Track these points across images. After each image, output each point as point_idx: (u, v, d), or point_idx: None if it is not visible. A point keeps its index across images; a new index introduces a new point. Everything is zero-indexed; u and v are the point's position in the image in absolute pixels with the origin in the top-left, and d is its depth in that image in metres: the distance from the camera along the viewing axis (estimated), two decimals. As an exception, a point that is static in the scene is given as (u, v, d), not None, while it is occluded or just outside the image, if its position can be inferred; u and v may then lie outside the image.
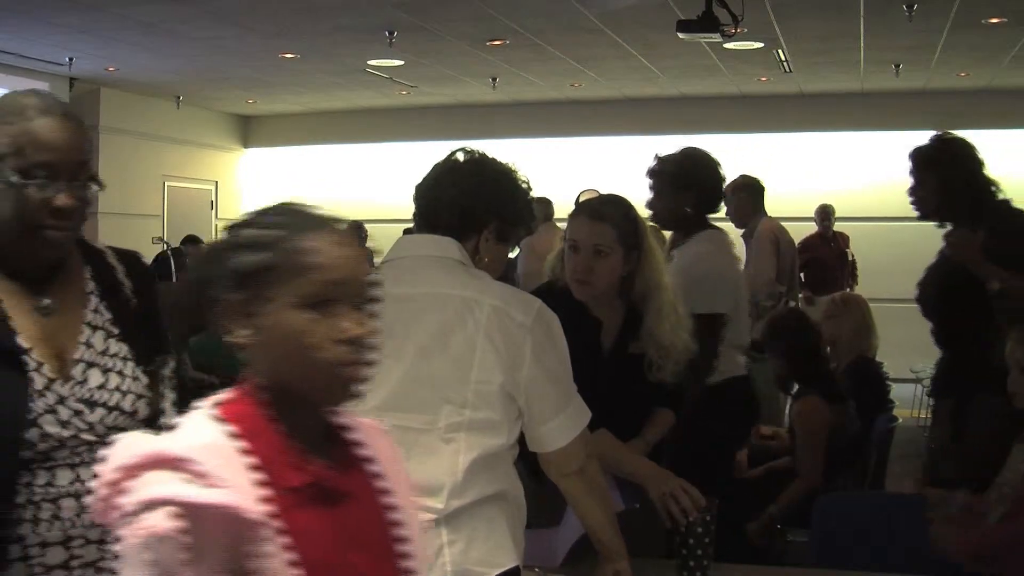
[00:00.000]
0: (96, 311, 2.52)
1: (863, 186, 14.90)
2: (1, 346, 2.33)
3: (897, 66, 12.89)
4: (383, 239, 3.23)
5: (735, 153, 14.05)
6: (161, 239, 14.41)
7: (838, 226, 12.92)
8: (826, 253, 12.42)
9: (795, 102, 15.39)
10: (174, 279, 13.29)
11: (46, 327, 2.42)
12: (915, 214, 4.74)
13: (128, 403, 2.47)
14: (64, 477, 2.34)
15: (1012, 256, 4.32)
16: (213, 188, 18.25)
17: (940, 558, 3.58)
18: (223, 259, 1.81)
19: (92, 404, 2.41)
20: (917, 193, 4.71)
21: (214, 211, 18.09)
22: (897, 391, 6.94)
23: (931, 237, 4.82)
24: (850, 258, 12.89)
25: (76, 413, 2.37)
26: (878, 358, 6.46)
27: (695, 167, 4.90)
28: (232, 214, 17.46)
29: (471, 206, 2.98)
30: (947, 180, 4.55)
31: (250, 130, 18.96)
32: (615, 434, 3.60)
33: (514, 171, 3.10)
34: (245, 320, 1.78)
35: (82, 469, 2.35)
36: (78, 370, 2.42)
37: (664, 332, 3.69)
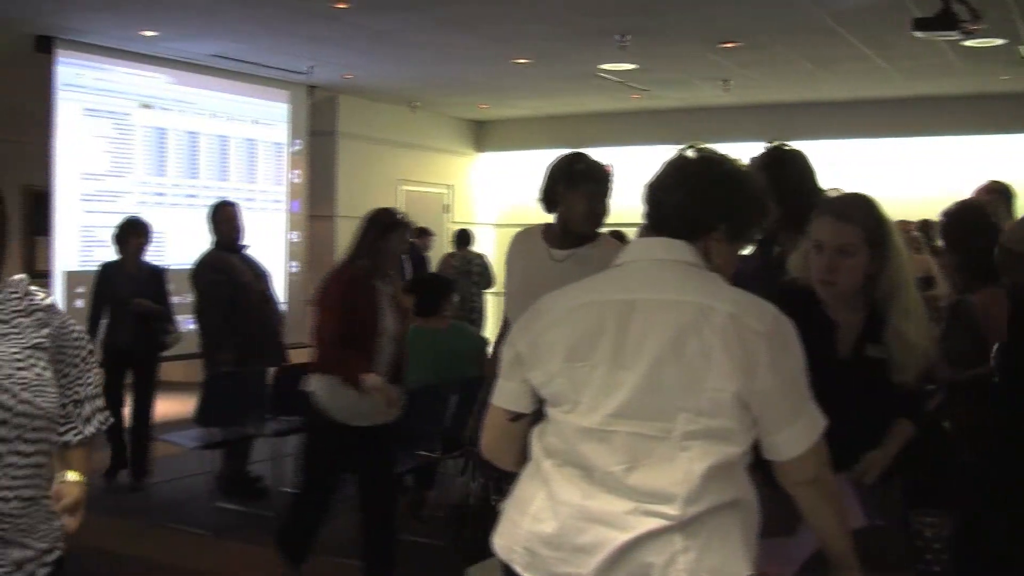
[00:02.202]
0: None
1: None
2: None
3: None
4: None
5: (973, 155, 13.71)
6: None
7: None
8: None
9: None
10: (407, 275, 13.61)
11: None
12: None
13: None
14: None
15: None
16: (447, 192, 18.57)
17: None
18: None
19: None
20: None
21: (448, 214, 18.40)
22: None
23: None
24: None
25: None
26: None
27: None
28: (466, 217, 17.81)
29: (696, 209, 2.91)
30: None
31: (483, 134, 19.25)
32: (851, 444, 3.53)
33: (746, 170, 3.04)
34: None
35: None
36: None
37: (910, 331, 3.63)
